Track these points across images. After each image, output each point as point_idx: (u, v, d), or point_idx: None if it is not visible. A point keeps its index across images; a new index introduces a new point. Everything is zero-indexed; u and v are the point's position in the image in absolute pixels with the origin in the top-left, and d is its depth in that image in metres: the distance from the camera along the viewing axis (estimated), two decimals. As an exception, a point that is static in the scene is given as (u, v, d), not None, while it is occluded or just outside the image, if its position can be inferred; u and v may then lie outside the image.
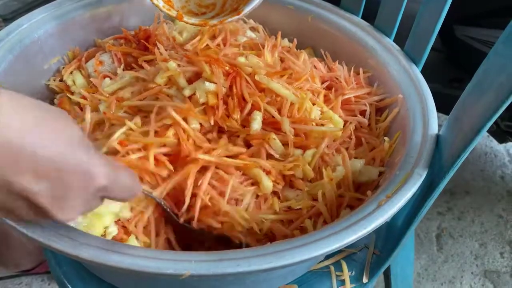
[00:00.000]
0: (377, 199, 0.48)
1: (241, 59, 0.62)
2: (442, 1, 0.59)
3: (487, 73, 0.48)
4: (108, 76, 0.63)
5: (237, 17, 0.61)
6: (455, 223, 1.24)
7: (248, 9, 0.61)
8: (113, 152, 0.52)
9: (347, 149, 0.59)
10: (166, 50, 0.64)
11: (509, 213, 1.26)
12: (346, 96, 0.64)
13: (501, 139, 1.14)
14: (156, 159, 0.52)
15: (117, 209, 0.49)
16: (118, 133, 0.52)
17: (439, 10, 0.60)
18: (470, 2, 0.97)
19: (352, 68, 0.69)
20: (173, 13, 0.62)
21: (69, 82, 0.65)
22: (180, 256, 0.42)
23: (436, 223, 1.24)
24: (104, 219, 0.48)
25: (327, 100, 0.64)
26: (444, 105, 1.07)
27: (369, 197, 0.51)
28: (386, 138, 0.59)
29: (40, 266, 1.08)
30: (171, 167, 0.52)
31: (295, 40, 0.73)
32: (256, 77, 0.58)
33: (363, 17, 0.74)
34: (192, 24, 0.63)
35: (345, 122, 0.62)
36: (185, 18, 0.63)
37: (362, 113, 0.65)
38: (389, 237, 0.61)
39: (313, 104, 0.60)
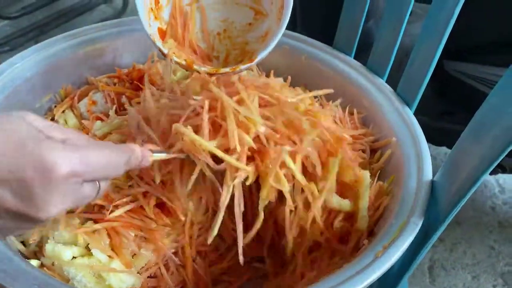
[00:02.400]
0: (374, 249, 0.47)
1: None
2: (434, 46, 0.60)
3: (483, 123, 0.48)
4: (100, 118, 0.62)
5: (249, 64, 0.59)
6: (447, 254, 1.23)
7: (261, 56, 0.58)
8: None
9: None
10: (158, 89, 0.64)
11: (500, 244, 1.26)
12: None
13: (491, 170, 1.15)
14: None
15: (129, 284, 0.48)
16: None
17: (432, 55, 0.61)
18: (459, 38, 0.99)
19: (347, 108, 0.69)
20: (182, 61, 0.58)
21: (61, 122, 0.64)
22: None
23: (428, 255, 1.23)
24: None
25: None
26: (435, 138, 1.07)
27: (366, 246, 0.50)
28: (380, 183, 0.59)
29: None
30: None
31: (289, 77, 0.73)
32: None
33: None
34: (204, 72, 0.59)
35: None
36: (195, 66, 0.59)
37: (357, 154, 0.65)
38: (383, 284, 0.61)
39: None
